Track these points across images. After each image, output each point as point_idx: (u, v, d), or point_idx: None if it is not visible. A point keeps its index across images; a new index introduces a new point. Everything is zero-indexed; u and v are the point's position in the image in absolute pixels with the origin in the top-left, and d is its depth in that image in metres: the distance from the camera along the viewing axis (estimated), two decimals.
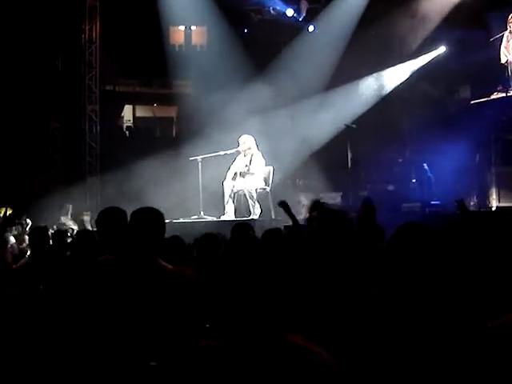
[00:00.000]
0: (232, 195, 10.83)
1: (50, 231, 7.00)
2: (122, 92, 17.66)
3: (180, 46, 17.96)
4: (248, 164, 10.91)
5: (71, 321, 3.30)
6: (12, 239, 7.65)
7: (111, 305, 3.23)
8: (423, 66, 15.32)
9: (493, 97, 13.67)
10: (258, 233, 4.46)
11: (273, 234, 4.17)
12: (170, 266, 3.49)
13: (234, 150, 11.11)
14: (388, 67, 15.52)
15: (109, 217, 3.88)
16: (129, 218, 3.64)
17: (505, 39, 13.67)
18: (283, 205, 5.64)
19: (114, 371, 3.02)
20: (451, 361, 2.47)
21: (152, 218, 3.52)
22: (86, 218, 12.05)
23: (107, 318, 3.19)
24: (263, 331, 2.79)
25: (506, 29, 13.67)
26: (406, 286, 2.77)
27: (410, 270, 2.74)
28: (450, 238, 4.07)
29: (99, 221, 3.95)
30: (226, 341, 2.97)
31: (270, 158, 11.59)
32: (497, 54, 13.70)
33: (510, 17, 13.62)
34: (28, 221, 9.90)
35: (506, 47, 13.73)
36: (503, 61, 13.74)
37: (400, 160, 14.53)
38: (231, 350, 2.71)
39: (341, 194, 13.40)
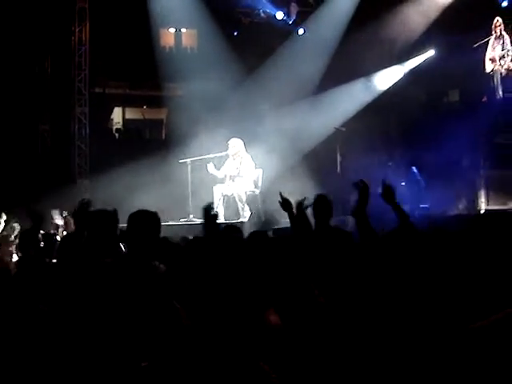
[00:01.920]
0: (221, 198, 10.86)
1: (40, 233, 6.96)
2: (112, 94, 17.60)
3: (170, 48, 17.94)
4: (237, 167, 10.95)
5: (68, 324, 3.30)
6: None
7: (107, 307, 3.23)
8: (412, 69, 15.38)
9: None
10: (247, 235, 4.47)
11: (258, 236, 4.17)
12: (163, 267, 3.50)
13: (223, 153, 11.15)
14: (378, 70, 15.57)
15: (99, 219, 3.89)
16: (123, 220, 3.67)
17: (489, 48, 13.33)
18: (285, 205, 4.85)
19: (111, 372, 3.03)
20: (437, 361, 2.48)
21: (150, 220, 3.55)
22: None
23: (103, 320, 3.19)
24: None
25: (492, 34, 13.36)
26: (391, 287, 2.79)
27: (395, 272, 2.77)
28: (437, 241, 4.08)
29: (90, 222, 3.95)
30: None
31: (260, 160, 11.61)
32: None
33: (495, 21, 13.31)
34: (15, 225, 9.82)
35: (491, 55, 13.40)
36: (488, 70, 13.41)
37: (389, 163, 14.56)
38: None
39: (330, 197, 13.39)
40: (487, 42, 13.40)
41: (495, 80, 13.27)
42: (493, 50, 13.38)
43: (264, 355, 2.87)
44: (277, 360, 2.88)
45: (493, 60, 13.30)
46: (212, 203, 3.87)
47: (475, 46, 13.41)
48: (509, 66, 13.25)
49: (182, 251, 4.52)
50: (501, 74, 13.33)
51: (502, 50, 13.33)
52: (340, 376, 2.67)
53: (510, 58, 13.24)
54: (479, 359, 2.42)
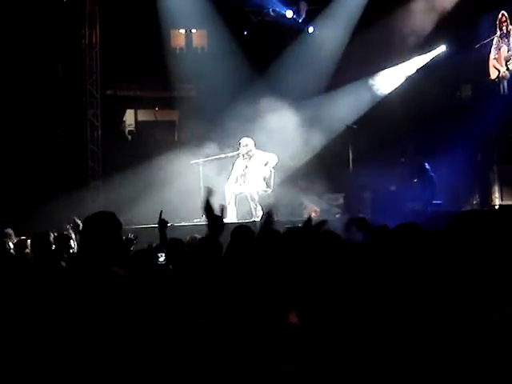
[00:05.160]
0: (234, 198, 10.86)
1: (52, 236, 6.97)
2: (124, 96, 17.64)
3: (181, 48, 17.97)
4: (248, 166, 10.96)
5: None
6: (11, 245, 7.63)
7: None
8: (424, 65, 15.30)
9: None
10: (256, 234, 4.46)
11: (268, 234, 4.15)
12: (119, 271, 3.35)
13: (234, 153, 11.16)
14: (389, 67, 15.51)
15: (98, 222, 3.67)
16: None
17: (493, 50, 12.45)
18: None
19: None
20: (448, 360, 2.46)
21: (102, 223, 3.38)
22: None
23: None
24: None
25: (496, 32, 12.34)
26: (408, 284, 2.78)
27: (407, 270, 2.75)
28: (451, 237, 4.04)
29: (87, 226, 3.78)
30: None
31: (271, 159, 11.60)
32: None
33: (500, 16, 12.25)
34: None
35: (496, 58, 12.56)
36: (493, 77, 12.59)
37: (402, 160, 14.50)
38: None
39: (343, 195, 13.38)
40: (490, 42, 12.45)
41: (502, 88, 12.33)
42: (498, 52, 12.46)
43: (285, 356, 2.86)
44: (297, 361, 2.87)
45: (498, 64, 12.28)
46: (224, 205, 3.74)
47: (477, 46, 12.63)
48: None
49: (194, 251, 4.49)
50: (507, 80, 12.07)
51: (509, 52, 12.27)
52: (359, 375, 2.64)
53: None
54: (486, 358, 2.40)
